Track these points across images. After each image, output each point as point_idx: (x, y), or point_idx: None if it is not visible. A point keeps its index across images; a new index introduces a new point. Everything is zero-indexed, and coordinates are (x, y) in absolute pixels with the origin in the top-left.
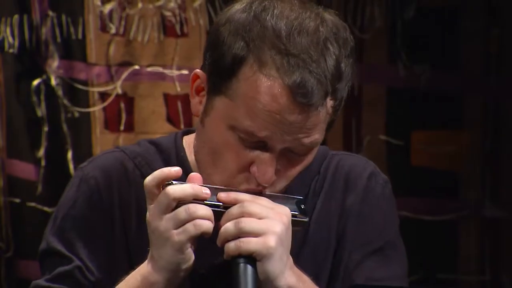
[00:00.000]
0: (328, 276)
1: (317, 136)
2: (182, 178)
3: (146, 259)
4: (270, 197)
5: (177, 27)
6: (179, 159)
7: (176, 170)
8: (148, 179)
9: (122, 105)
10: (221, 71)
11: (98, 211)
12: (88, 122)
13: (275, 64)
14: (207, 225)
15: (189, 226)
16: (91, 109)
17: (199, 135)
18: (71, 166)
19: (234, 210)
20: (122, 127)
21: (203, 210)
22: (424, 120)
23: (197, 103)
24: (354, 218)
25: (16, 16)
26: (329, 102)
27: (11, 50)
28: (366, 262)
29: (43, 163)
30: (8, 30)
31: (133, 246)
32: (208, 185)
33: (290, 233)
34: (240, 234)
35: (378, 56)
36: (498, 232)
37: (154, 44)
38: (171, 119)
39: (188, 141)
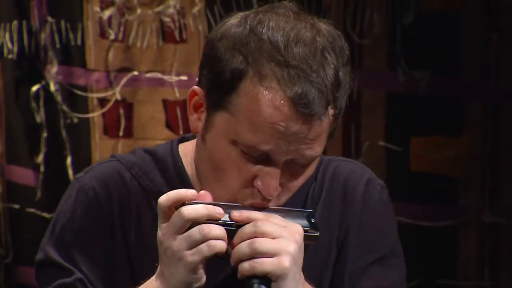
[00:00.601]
0: (329, 283)
1: (320, 146)
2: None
3: (147, 268)
4: (280, 211)
5: (176, 33)
6: (177, 169)
7: (192, 193)
8: (163, 199)
9: (121, 111)
10: (220, 87)
11: (97, 221)
12: (87, 128)
13: (276, 76)
14: (221, 245)
15: (203, 247)
16: (90, 115)
17: (200, 151)
18: (70, 172)
19: (247, 229)
20: (121, 133)
21: (217, 230)
22: (424, 125)
23: (195, 120)
24: (355, 227)
25: (15, 22)
26: (330, 111)
27: (10, 56)
28: (370, 271)
29: (42, 169)
30: (7, 36)
31: (134, 254)
32: (220, 202)
33: (303, 251)
34: (254, 254)
35: (377, 62)
36: (498, 237)
37: (153, 50)
38: (170, 125)
39: (184, 150)
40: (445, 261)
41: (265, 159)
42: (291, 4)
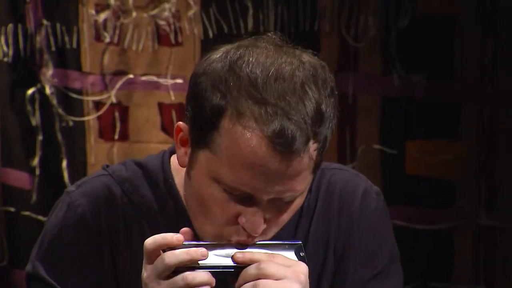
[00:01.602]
0: None
1: (302, 183)
2: (171, 208)
3: (134, 286)
4: (267, 246)
5: (172, 36)
6: (167, 185)
7: (178, 237)
8: (149, 242)
9: (117, 114)
10: (201, 124)
11: (85, 239)
12: (82, 131)
13: (253, 114)
14: None
15: None
16: (85, 118)
17: (186, 186)
18: (65, 175)
19: (251, 271)
20: (116, 136)
21: (200, 277)
22: (419, 129)
23: (183, 154)
24: (353, 238)
25: (10, 25)
26: (312, 147)
27: (5, 59)
28: (372, 285)
29: (37, 172)
30: (2, 39)
31: (121, 271)
32: (206, 242)
33: None
34: None
35: (372, 65)
36: (493, 241)
37: (148, 53)
38: (166, 128)
39: (176, 165)
40: (441, 264)
41: (248, 197)
42: (274, 36)
